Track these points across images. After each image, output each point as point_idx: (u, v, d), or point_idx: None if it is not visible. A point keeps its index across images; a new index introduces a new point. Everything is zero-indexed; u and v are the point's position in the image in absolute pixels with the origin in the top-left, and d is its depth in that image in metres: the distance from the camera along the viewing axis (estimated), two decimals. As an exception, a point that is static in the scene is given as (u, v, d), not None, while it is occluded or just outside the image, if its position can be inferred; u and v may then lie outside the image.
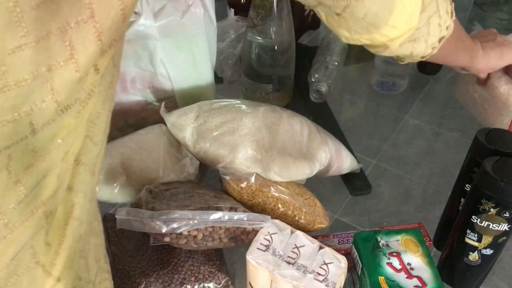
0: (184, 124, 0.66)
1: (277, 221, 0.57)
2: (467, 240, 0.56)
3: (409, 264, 0.55)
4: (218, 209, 0.57)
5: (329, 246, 0.54)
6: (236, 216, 0.56)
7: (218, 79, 0.88)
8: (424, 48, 0.57)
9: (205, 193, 0.60)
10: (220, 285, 0.58)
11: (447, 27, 0.56)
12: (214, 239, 0.57)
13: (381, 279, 0.54)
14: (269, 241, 0.54)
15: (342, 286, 0.54)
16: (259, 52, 0.81)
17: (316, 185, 0.70)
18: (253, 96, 0.86)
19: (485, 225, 0.53)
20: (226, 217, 0.56)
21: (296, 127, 0.67)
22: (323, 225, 0.65)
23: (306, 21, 1.04)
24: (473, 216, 0.54)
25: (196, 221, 0.54)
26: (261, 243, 0.54)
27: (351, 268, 0.60)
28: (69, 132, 0.29)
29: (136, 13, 0.68)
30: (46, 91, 0.25)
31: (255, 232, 0.56)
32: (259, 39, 0.80)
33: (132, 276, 0.58)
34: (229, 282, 0.59)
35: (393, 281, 0.53)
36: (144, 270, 0.58)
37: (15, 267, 0.29)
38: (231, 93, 0.92)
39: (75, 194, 0.32)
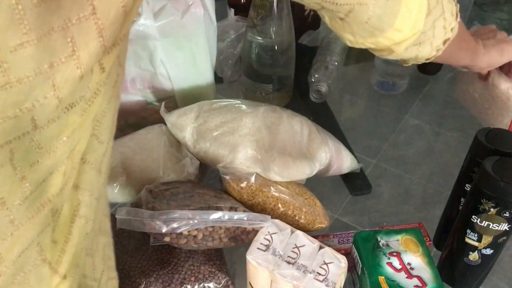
0: (184, 124, 0.66)
1: (277, 221, 0.57)
2: (467, 240, 0.56)
3: (409, 264, 0.55)
4: (218, 209, 0.57)
5: (329, 246, 0.54)
6: (236, 216, 0.56)
7: (218, 79, 0.88)
8: (429, 50, 0.56)
9: (205, 193, 0.60)
10: (220, 285, 0.58)
11: (452, 29, 0.56)
12: (214, 239, 0.57)
13: (381, 279, 0.54)
14: (269, 241, 0.54)
15: (342, 286, 0.54)
16: (259, 52, 0.81)
17: (316, 185, 0.70)
18: (253, 96, 0.86)
19: (485, 225, 0.54)
20: (226, 217, 0.56)
21: (296, 127, 0.67)
22: (323, 225, 0.65)
23: (306, 21, 1.04)
24: (473, 216, 0.54)
25: (196, 221, 0.54)
26: (261, 243, 0.54)
27: (351, 268, 0.60)
28: (74, 130, 0.29)
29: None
30: (48, 87, 0.26)
31: (255, 232, 0.56)
32: (259, 39, 0.80)
33: (132, 276, 0.58)
34: (229, 282, 0.59)
35: (393, 281, 0.53)
36: (144, 270, 0.58)
37: (21, 264, 0.29)
38: (231, 93, 0.92)
39: (81, 193, 0.32)
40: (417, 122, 0.89)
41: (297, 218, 0.63)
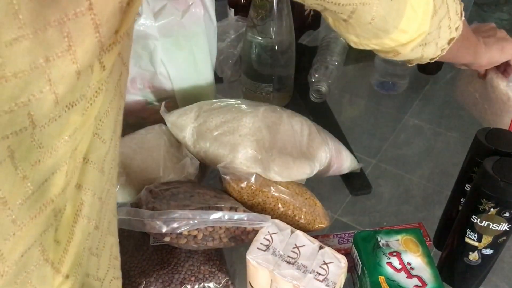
0: (184, 124, 0.66)
1: (277, 221, 0.57)
2: (467, 240, 0.56)
3: (409, 264, 0.55)
4: (218, 209, 0.57)
5: (329, 246, 0.54)
6: (236, 216, 0.56)
7: (218, 79, 0.88)
8: (434, 50, 0.56)
9: (205, 193, 0.60)
10: (220, 285, 0.58)
11: (456, 28, 0.56)
12: (214, 239, 0.57)
13: (381, 278, 0.54)
14: (269, 241, 0.54)
15: (342, 286, 0.54)
16: (259, 52, 0.81)
17: (316, 185, 0.71)
18: (253, 96, 0.86)
19: (485, 225, 0.54)
20: (226, 217, 0.56)
21: (296, 127, 0.67)
22: (323, 225, 0.65)
23: (306, 21, 1.04)
24: (473, 216, 0.54)
25: (196, 221, 0.54)
26: (261, 243, 0.54)
27: (351, 268, 0.60)
28: (76, 129, 0.29)
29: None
30: (44, 82, 0.25)
31: (255, 232, 0.56)
32: (259, 39, 0.80)
33: (132, 276, 0.58)
34: (229, 282, 0.59)
35: (393, 281, 0.53)
36: (144, 270, 0.58)
37: (24, 264, 0.29)
38: (231, 93, 0.92)
39: (84, 192, 0.32)
40: (417, 122, 0.89)
41: (297, 218, 0.63)
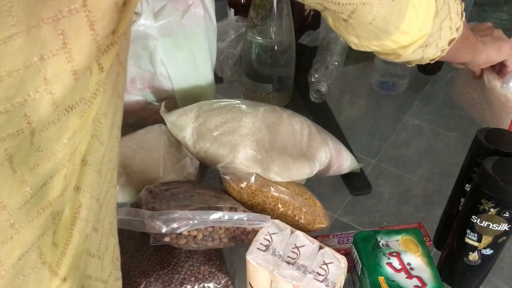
0: (184, 124, 0.66)
1: (277, 221, 0.57)
2: (467, 240, 0.56)
3: (409, 264, 0.55)
4: (218, 209, 0.56)
5: (329, 246, 0.54)
6: (236, 216, 0.56)
7: (218, 79, 0.88)
8: (434, 51, 0.56)
9: (205, 193, 0.60)
10: (220, 285, 0.58)
11: (457, 29, 0.55)
12: (214, 239, 0.57)
13: (381, 279, 0.54)
14: (269, 241, 0.54)
15: (342, 286, 0.54)
16: (259, 52, 0.81)
17: (316, 185, 0.71)
18: (253, 96, 0.86)
19: (485, 225, 0.53)
20: (226, 217, 0.56)
21: (296, 127, 0.67)
22: (323, 225, 0.65)
23: (306, 21, 1.04)
24: (473, 216, 0.54)
25: (196, 221, 0.54)
26: (261, 243, 0.54)
27: (351, 268, 0.60)
28: (75, 132, 0.29)
29: (136, 13, 0.68)
30: (39, 81, 0.25)
31: (255, 232, 0.56)
32: (259, 39, 0.80)
33: (132, 276, 0.58)
34: (229, 282, 0.59)
35: (393, 281, 0.53)
36: (144, 270, 0.58)
37: (21, 267, 0.29)
38: (231, 93, 0.92)
39: (82, 195, 0.32)
40: (417, 122, 0.89)
41: (297, 218, 0.63)
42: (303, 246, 0.54)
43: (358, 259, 0.57)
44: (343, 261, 0.53)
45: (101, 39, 0.27)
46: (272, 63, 0.82)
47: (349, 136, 0.82)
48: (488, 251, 0.56)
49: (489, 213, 0.52)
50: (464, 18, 0.56)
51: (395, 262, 0.55)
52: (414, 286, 0.53)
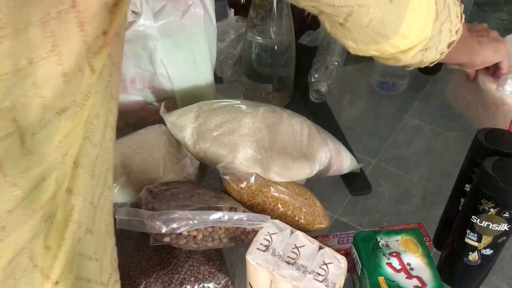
0: (184, 124, 0.66)
1: (277, 221, 0.57)
2: (467, 240, 0.56)
3: (409, 264, 0.55)
4: (218, 209, 0.57)
5: (329, 246, 0.54)
6: (236, 216, 0.56)
7: (218, 79, 0.88)
8: (434, 55, 0.55)
9: (205, 193, 0.60)
10: (220, 285, 0.58)
11: (456, 31, 0.54)
12: (214, 239, 0.57)
13: (381, 279, 0.54)
14: (269, 241, 0.54)
15: (342, 286, 0.54)
16: (259, 52, 0.81)
17: (316, 185, 0.70)
18: (253, 96, 0.86)
19: (485, 225, 0.53)
20: (226, 217, 0.56)
21: (296, 127, 0.67)
22: (323, 225, 0.65)
23: (306, 21, 1.04)
24: (473, 216, 0.54)
25: (196, 221, 0.54)
26: (260, 243, 0.54)
27: (351, 268, 0.60)
28: (66, 134, 0.28)
29: (136, 13, 0.68)
30: (28, 85, 0.25)
31: (255, 232, 0.56)
32: (259, 39, 0.80)
33: (132, 276, 0.58)
34: (229, 282, 0.59)
35: (393, 281, 0.53)
36: (144, 270, 0.58)
37: (12, 270, 0.29)
38: (231, 93, 0.92)
39: (74, 197, 0.32)
40: (417, 122, 0.89)
41: (297, 218, 0.63)
42: (303, 246, 0.54)
43: (358, 259, 0.57)
44: (343, 261, 0.53)
45: (91, 40, 0.26)
46: (272, 63, 0.82)
47: (349, 136, 0.82)
48: (488, 251, 0.56)
49: (489, 213, 0.52)
50: (463, 20, 0.55)
51: (395, 262, 0.55)
52: (414, 286, 0.53)
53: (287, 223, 0.57)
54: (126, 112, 0.76)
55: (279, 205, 0.62)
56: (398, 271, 0.54)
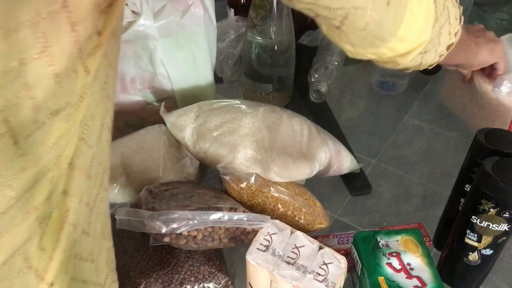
0: (184, 124, 0.66)
1: (277, 221, 0.57)
2: (467, 240, 0.56)
3: (409, 264, 0.55)
4: (218, 209, 0.57)
5: (329, 246, 0.54)
6: (236, 216, 0.56)
7: (218, 79, 0.88)
8: (433, 57, 0.54)
9: (205, 193, 0.60)
10: (220, 285, 0.58)
11: (455, 34, 0.54)
12: (214, 239, 0.57)
13: (381, 279, 0.54)
14: (269, 241, 0.54)
15: (342, 286, 0.54)
16: (259, 52, 0.81)
17: (316, 185, 0.70)
18: (253, 96, 0.86)
19: (485, 225, 0.53)
20: (226, 217, 0.56)
21: (296, 127, 0.67)
22: (323, 225, 0.65)
23: (306, 21, 1.04)
24: (473, 216, 0.54)
25: (196, 221, 0.54)
26: (260, 243, 0.54)
27: (351, 268, 0.60)
28: (60, 136, 0.28)
29: (136, 13, 0.68)
30: (19, 86, 0.24)
31: (255, 232, 0.56)
32: (259, 39, 0.80)
33: (132, 276, 0.58)
34: (229, 282, 0.59)
35: (393, 281, 0.53)
36: (144, 270, 0.58)
37: (6, 271, 0.28)
38: (231, 93, 0.92)
39: (70, 199, 0.31)
40: (417, 122, 0.89)
41: (296, 218, 0.63)
42: (303, 246, 0.54)
43: (358, 259, 0.57)
44: (343, 261, 0.53)
45: (84, 41, 0.26)
46: (272, 63, 0.82)
47: (349, 136, 0.82)
48: (488, 251, 0.56)
49: (489, 213, 0.52)
50: (462, 22, 0.55)
51: (395, 262, 0.55)
52: (414, 286, 0.53)
53: (287, 223, 0.57)
54: (126, 112, 0.76)
55: (279, 205, 0.62)
56: (398, 271, 0.54)
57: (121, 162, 0.64)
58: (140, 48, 0.71)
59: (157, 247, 0.61)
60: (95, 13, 0.26)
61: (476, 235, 0.55)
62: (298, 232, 0.55)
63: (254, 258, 0.53)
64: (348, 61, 0.99)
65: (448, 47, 0.55)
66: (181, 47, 0.73)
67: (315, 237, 0.58)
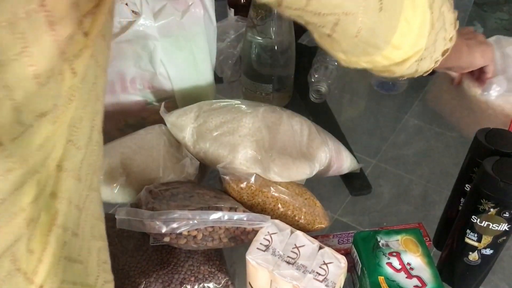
0: (184, 124, 0.66)
1: (277, 221, 0.57)
2: (467, 240, 0.56)
3: (409, 264, 0.55)
4: (218, 209, 0.57)
5: (329, 246, 0.54)
6: (236, 216, 0.56)
7: (218, 79, 0.88)
8: (428, 64, 0.53)
9: (205, 193, 0.60)
10: (220, 285, 0.58)
11: (450, 39, 0.53)
12: (214, 239, 0.57)
13: (381, 279, 0.54)
14: (269, 241, 0.54)
15: (342, 286, 0.54)
16: (259, 52, 0.81)
17: (316, 185, 0.70)
18: (253, 96, 0.86)
19: (485, 225, 0.53)
20: (226, 217, 0.56)
21: (296, 127, 0.67)
22: (323, 225, 0.65)
23: (306, 21, 1.04)
24: (473, 216, 0.54)
25: (196, 221, 0.54)
26: (261, 243, 0.54)
27: (351, 268, 0.60)
28: (47, 138, 0.28)
29: (136, 13, 0.68)
30: None
31: (255, 232, 0.56)
32: (259, 39, 0.80)
33: (132, 276, 0.58)
34: (229, 282, 0.59)
35: (393, 281, 0.53)
36: (144, 270, 0.58)
37: None
38: (231, 93, 0.92)
39: (59, 201, 0.31)
40: (417, 122, 0.89)
41: (297, 218, 0.63)
42: (303, 246, 0.54)
43: (358, 259, 0.57)
44: (343, 261, 0.53)
45: (64, 40, 0.26)
46: (272, 63, 0.82)
47: (349, 136, 0.82)
48: (488, 251, 0.56)
49: (489, 213, 0.52)
50: (457, 27, 0.54)
51: (395, 262, 0.55)
52: (414, 286, 0.53)
53: (287, 223, 0.57)
54: (126, 112, 0.76)
55: (279, 205, 0.62)
56: (398, 270, 0.54)
57: (121, 162, 0.64)
58: (140, 48, 0.71)
59: (157, 247, 0.61)
60: (74, 12, 0.26)
61: (476, 235, 0.55)
62: (298, 232, 0.55)
63: (254, 258, 0.53)
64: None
65: (444, 53, 0.54)
66: (181, 47, 0.73)
67: (315, 237, 0.58)
